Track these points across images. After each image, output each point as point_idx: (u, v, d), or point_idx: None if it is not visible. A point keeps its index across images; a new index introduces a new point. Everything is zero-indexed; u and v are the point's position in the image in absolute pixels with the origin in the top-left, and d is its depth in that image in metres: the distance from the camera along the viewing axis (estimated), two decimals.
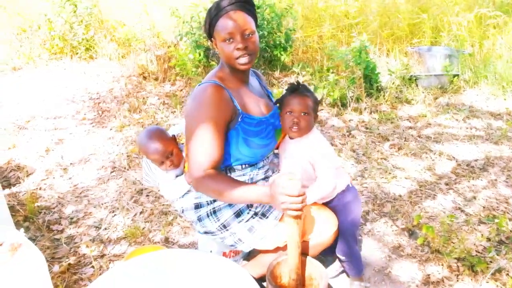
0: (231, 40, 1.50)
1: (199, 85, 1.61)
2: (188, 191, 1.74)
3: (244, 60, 1.52)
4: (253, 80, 1.77)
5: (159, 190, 1.91)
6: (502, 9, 5.88)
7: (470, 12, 5.42)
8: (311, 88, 4.28)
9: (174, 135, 1.81)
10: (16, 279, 1.49)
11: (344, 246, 1.86)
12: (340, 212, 1.78)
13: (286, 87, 1.80)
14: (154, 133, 1.75)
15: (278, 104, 1.76)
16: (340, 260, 1.94)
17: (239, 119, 1.58)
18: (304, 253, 1.57)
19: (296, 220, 1.38)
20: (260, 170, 1.72)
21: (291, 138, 1.75)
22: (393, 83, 4.45)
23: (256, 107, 1.67)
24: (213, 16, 1.54)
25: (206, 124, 1.50)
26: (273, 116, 1.72)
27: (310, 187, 1.69)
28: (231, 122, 1.57)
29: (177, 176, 1.79)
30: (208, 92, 1.54)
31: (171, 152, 1.72)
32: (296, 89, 1.70)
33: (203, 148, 1.50)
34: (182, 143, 1.84)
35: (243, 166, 1.66)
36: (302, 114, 1.67)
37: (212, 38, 1.61)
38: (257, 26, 1.60)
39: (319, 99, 1.78)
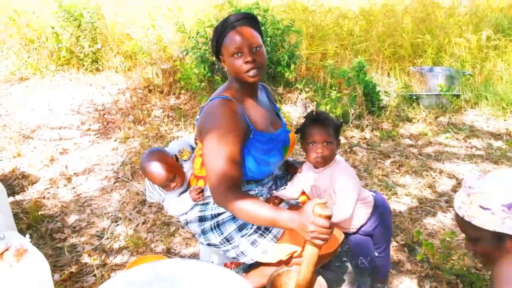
0: (239, 54, 1.54)
1: (210, 100, 1.64)
2: (195, 205, 1.76)
3: (253, 73, 1.55)
4: (261, 95, 1.79)
5: (163, 206, 1.92)
6: (504, 32, 5.98)
7: (472, 34, 5.51)
8: (315, 104, 4.34)
9: (175, 155, 1.80)
10: (21, 284, 1.51)
11: (380, 251, 1.91)
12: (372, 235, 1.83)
13: (304, 116, 1.82)
14: (155, 158, 1.73)
15: (298, 134, 1.79)
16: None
17: (250, 136, 1.60)
18: None
19: (316, 250, 1.37)
20: (265, 186, 1.75)
21: (316, 167, 1.77)
22: (394, 102, 4.51)
23: (266, 123, 1.69)
24: (221, 33, 1.59)
25: (223, 139, 1.51)
26: (282, 133, 1.74)
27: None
28: (243, 138, 1.58)
29: (180, 194, 1.80)
30: (222, 107, 1.56)
31: (174, 176, 1.72)
32: (316, 119, 1.71)
33: (224, 164, 1.50)
34: (185, 160, 1.87)
35: (249, 181, 1.69)
36: (325, 144, 1.69)
37: (220, 55, 1.65)
38: (262, 41, 1.64)
39: (339, 122, 1.80)
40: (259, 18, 4.59)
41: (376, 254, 1.91)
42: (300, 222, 1.33)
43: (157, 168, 1.70)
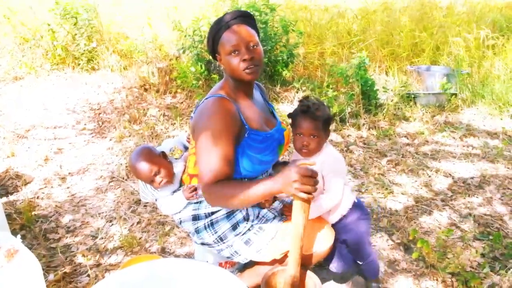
0: (236, 52, 1.53)
1: (205, 98, 1.63)
2: (188, 203, 1.74)
3: (250, 70, 1.53)
4: (256, 94, 1.78)
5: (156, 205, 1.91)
6: (502, 31, 5.98)
7: (470, 33, 5.51)
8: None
9: (163, 152, 1.80)
10: (12, 285, 1.49)
11: (361, 254, 1.91)
12: (352, 229, 1.82)
13: (298, 101, 1.80)
14: (139, 154, 1.74)
15: (290, 118, 1.78)
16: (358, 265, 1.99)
17: (245, 135, 1.58)
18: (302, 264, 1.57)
19: (303, 208, 1.34)
20: None
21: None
22: (391, 100, 4.50)
23: (261, 122, 1.68)
24: (216, 31, 1.57)
25: (216, 137, 1.50)
26: (277, 131, 1.73)
27: (317, 200, 1.71)
28: (238, 137, 1.57)
29: (174, 192, 1.78)
30: (217, 105, 1.55)
31: (158, 170, 1.71)
32: (307, 110, 1.70)
33: (214, 162, 1.50)
34: (176, 158, 1.85)
35: (242, 180, 1.68)
36: (312, 136, 1.68)
37: (216, 54, 1.63)
38: (259, 39, 1.62)
39: (331, 115, 1.78)
40: (264, 16, 4.56)
41: (360, 262, 1.94)
42: (283, 176, 1.32)
43: (140, 163, 1.71)
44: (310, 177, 1.28)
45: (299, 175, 1.27)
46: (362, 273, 2.02)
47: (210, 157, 1.50)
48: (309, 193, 1.29)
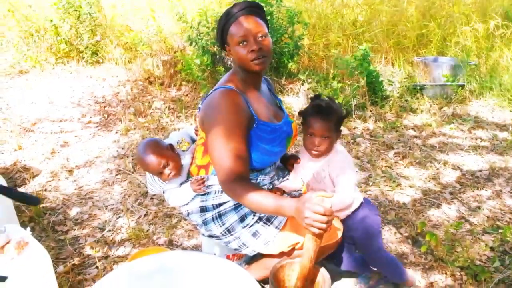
0: (244, 42, 1.53)
1: (214, 90, 1.62)
2: (196, 195, 1.74)
3: (258, 61, 1.53)
4: (264, 87, 1.78)
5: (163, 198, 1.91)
6: (511, 20, 5.89)
7: (479, 23, 5.43)
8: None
9: (170, 144, 1.79)
10: (22, 277, 1.50)
11: (374, 259, 1.87)
12: (357, 229, 1.78)
13: (310, 99, 1.79)
14: (147, 146, 1.73)
15: (301, 117, 1.77)
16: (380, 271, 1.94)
17: (254, 125, 1.58)
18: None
19: (315, 238, 1.34)
20: (267, 175, 1.73)
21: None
22: (398, 92, 4.46)
23: (268, 114, 1.68)
24: (225, 22, 1.57)
25: (228, 133, 1.50)
26: (285, 124, 1.73)
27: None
28: (248, 129, 1.57)
29: (181, 184, 1.78)
30: (226, 98, 1.55)
31: (167, 163, 1.69)
32: (319, 111, 1.68)
33: (230, 154, 1.49)
34: (184, 150, 1.84)
35: (250, 171, 1.67)
36: (323, 137, 1.67)
37: (225, 45, 1.63)
38: (268, 30, 1.61)
39: (344, 114, 1.76)
40: (269, 7, 4.52)
41: (374, 268, 1.91)
42: (297, 207, 1.31)
43: (148, 156, 1.70)
44: (323, 215, 1.25)
45: (310, 213, 1.25)
46: (388, 279, 1.94)
47: (224, 155, 1.50)
48: (321, 229, 1.27)
